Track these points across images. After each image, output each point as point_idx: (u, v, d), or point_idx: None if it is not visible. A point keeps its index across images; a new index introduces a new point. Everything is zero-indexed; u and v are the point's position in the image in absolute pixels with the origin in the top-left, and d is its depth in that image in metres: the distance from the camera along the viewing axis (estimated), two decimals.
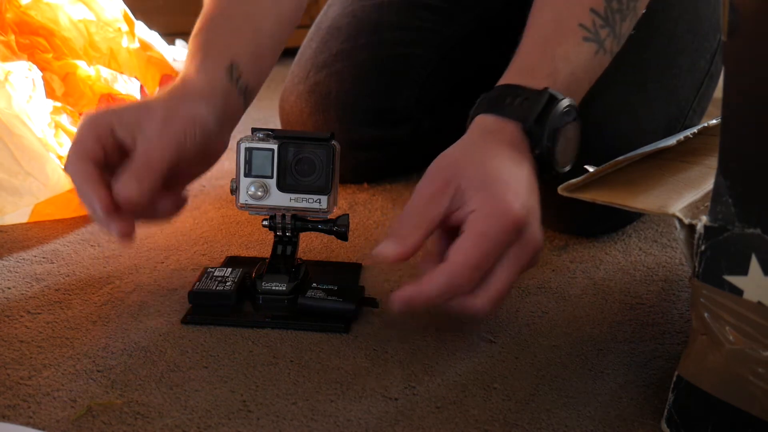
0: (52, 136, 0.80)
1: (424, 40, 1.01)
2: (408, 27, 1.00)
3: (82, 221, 0.85)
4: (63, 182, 0.83)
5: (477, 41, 1.03)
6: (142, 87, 0.92)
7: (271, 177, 0.66)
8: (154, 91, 1.03)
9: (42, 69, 0.83)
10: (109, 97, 0.87)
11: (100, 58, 0.92)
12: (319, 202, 0.67)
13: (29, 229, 0.83)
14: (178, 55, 1.10)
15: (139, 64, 0.99)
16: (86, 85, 0.86)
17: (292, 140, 0.66)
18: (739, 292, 0.45)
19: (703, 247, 0.46)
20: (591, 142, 0.80)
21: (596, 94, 0.80)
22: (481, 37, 1.04)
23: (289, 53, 1.25)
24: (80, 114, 0.83)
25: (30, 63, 0.80)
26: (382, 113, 1.00)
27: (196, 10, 0.72)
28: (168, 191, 0.62)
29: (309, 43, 1.04)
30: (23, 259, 0.76)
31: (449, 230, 0.57)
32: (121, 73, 0.92)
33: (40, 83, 0.80)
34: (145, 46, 1.01)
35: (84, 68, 0.86)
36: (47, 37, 0.87)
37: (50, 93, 0.83)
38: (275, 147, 0.66)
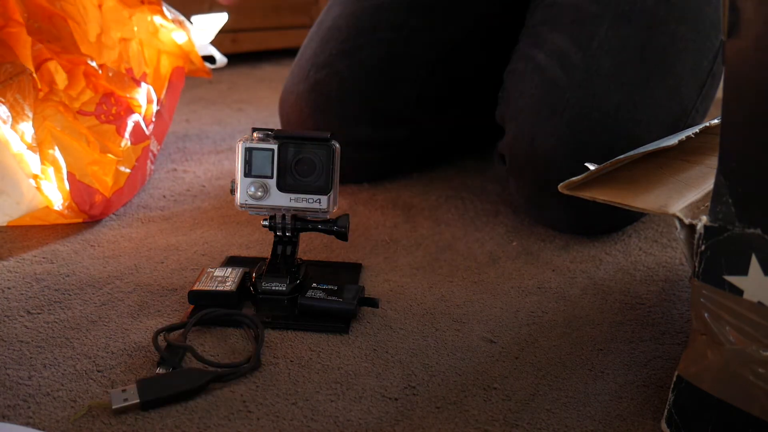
0: (33, 156, 0.79)
1: (423, 41, 1.01)
2: (407, 28, 1.00)
3: (83, 221, 0.85)
4: (37, 201, 0.82)
5: (475, 43, 1.04)
6: (148, 91, 0.92)
7: (271, 177, 0.66)
8: (162, 95, 1.01)
9: (47, 58, 0.82)
10: (112, 95, 0.87)
11: (111, 48, 0.91)
12: (319, 202, 0.67)
13: (29, 229, 0.83)
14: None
15: (149, 53, 0.98)
16: (90, 81, 0.85)
17: (292, 140, 0.66)
18: (739, 292, 0.45)
19: (703, 247, 0.46)
20: (594, 140, 0.80)
21: (599, 93, 0.80)
22: (480, 38, 1.04)
23: (289, 53, 1.25)
24: (78, 112, 0.83)
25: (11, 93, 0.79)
26: (382, 113, 1.00)
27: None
28: None
29: (309, 43, 1.04)
30: (23, 259, 0.76)
31: None
32: (129, 66, 0.90)
33: (22, 104, 0.78)
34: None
35: (92, 65, 0.85)
36: (62, 21, 0.84)
37: (52, 84, 0.82)
38: (275, 147, 0.66)
